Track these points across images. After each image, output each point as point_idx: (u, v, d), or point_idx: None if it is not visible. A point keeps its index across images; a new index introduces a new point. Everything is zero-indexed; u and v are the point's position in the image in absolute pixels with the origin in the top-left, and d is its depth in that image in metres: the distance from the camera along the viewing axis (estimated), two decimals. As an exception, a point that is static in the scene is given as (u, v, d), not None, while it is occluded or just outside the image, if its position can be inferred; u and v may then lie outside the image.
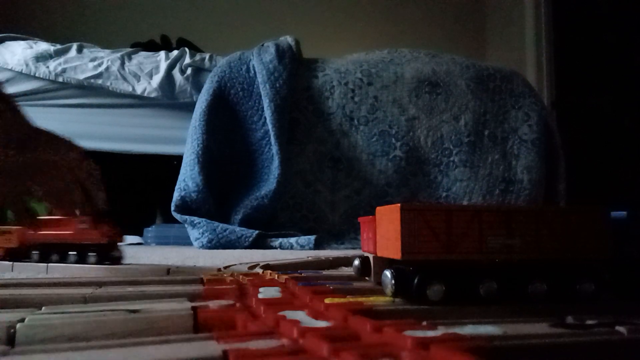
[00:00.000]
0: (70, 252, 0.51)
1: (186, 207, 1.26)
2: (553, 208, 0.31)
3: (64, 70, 1.43)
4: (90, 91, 1.44)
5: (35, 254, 0.53)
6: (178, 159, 1.36)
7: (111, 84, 1.43)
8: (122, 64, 1.47)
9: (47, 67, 1.43)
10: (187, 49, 1.56)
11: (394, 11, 2.89)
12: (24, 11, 2.32)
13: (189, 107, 1.38)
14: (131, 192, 1.73)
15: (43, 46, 1.51)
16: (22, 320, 0.21)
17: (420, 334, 0.19)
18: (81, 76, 1.43)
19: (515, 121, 1.37)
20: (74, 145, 0.51)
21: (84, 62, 1.46)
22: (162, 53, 1.54)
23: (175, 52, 1.54)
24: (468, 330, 0.21)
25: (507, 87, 1.40)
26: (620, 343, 0.20)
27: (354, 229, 1.27)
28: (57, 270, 0.50)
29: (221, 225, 1.21)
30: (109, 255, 0.52)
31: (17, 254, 0.54)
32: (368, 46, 1.66)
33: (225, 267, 0.52)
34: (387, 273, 0.29)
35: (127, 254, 0.55)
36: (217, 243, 1.17)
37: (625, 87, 2.16)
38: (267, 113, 1.30)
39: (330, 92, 1.36)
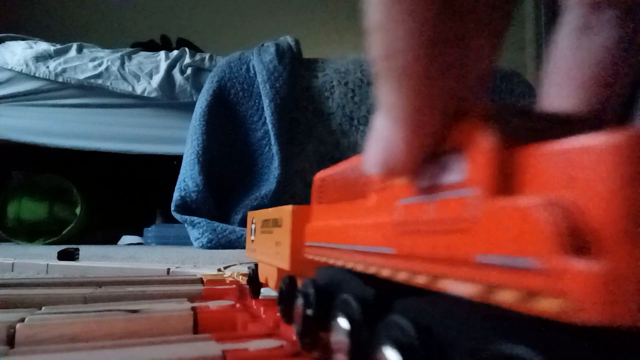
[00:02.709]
0: None
1: (186, 207, 1.26)
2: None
3: (64, 70, 1.43)
4: (90, 91, 1.44)
5: None
6: (178, 159, 1.36)
7: (111, 84, 1.43)
8: (122, 64, 1.47)
9: (47, 67, 1.43)
10: (187, 49, 1.56)
11: (394, 11, 2.88)
12: (24, 11, 2.32)
13: (189, 107, 1.38)
14: (131, 192, 1.73)
15: (43, 46, 1.51)
16: (22, 320, 0.21)
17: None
18: (81, 76, 1.43)
19: (515, 121, 1.37)
20: None
21: (84, 62, 1.46)
22: (162, 53, 1.53)
23: (175, 52, 1.54)
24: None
25: (507, 87, 1.40)
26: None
27: (354, 229, 1.27)
28: (57, 270, 0.50)
29: (221, 225, 1.21)
30: None
31: None
32: (368, 46, 1.65)
33: (225, 267, 0.52)
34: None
35: (127, 254, 0.55)
36: (217, 243, 1.17)
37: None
38: (267, 113, 1.30)
39: (330, 92, 1.36)
